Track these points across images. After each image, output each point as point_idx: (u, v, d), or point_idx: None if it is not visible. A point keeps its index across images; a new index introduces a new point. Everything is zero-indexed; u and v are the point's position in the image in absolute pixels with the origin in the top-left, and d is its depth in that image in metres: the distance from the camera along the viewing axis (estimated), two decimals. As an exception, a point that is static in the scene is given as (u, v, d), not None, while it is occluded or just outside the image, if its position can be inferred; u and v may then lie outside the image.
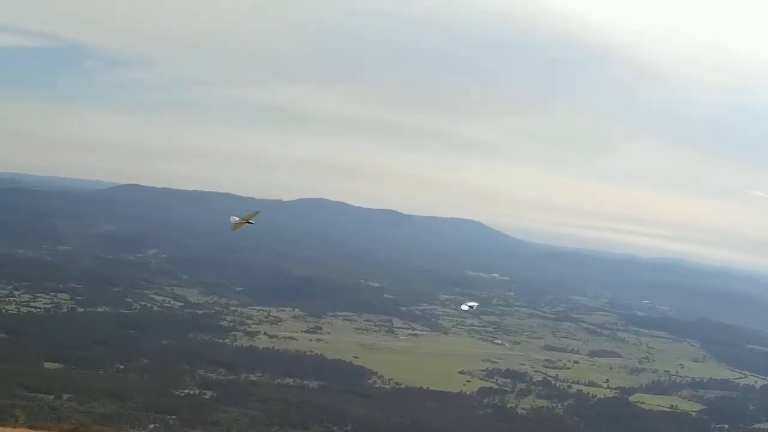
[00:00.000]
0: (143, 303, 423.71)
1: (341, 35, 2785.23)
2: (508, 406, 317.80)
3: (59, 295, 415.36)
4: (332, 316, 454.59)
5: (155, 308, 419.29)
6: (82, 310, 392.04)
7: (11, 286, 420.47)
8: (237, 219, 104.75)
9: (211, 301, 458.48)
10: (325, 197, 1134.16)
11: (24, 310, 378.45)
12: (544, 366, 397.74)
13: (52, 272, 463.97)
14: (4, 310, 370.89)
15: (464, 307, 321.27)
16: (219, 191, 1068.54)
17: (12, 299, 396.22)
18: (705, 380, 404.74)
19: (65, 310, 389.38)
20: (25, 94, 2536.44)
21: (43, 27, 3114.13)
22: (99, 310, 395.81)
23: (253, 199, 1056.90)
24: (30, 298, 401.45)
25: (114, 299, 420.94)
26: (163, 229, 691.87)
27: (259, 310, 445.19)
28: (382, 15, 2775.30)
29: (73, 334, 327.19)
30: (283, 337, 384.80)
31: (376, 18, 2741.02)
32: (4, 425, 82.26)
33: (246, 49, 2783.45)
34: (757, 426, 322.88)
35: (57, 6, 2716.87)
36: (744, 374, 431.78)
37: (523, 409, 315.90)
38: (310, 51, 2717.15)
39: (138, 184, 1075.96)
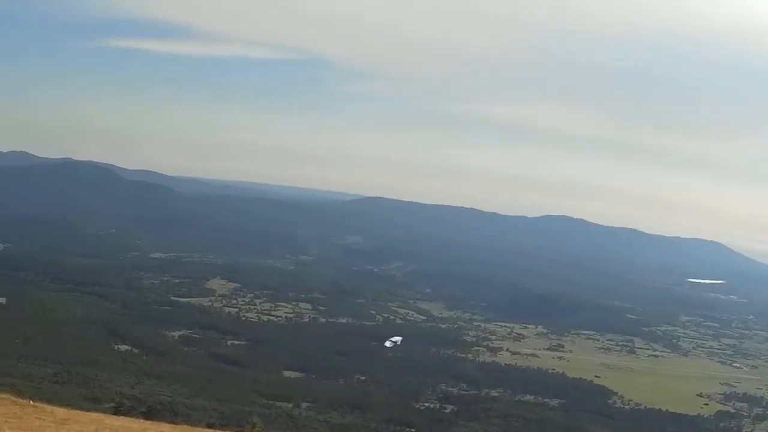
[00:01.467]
0: (386, 315, 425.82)
1: (579, 56, 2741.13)
2: (744, 431, 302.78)
3: (301, 304, 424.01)
4: (575, 334, 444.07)
5: (398, 321, 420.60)
6: (323, 320, 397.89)
7: (252, 294, 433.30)
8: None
9: (455, 316, 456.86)
10: (567, 214, 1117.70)
11: (265, 318, 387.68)
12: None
13: (295, 282, 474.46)
14: (245, 318, 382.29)
15: (388, 344, 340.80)
16: (463, 206, 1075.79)
17: (253, 307, 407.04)
18: None
19: (306, 320, 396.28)
20: (268, 105, 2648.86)
21: (285, 39, 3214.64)
22: (341, 321, 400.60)
23: (496, 214, 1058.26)
24: (271, 307, 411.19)
25: (357, 311, 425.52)
26: (407, 242, 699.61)
27: (501, 326, 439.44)
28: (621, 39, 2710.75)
29: (314, 343, 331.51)
30: (525, 354, 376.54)
31: (613, 42, 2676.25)
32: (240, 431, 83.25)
33: (486, 65, 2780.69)
34: None
35: (297, 19, 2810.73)
36: None
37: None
38: (551, 70, 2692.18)
39: (382, 197, 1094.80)
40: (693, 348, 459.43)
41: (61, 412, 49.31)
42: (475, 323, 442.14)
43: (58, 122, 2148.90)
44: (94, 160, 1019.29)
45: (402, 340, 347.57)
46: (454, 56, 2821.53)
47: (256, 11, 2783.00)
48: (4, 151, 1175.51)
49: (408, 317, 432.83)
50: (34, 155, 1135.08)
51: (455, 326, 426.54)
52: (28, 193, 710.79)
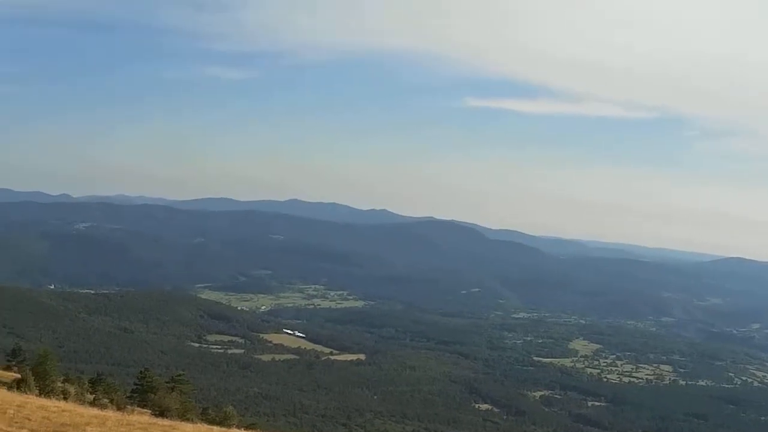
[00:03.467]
0: (744, 378, 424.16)
1: None
2: None
3: (662, 366, 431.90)
4: None
5: (755, 384, 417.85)
6: (683, 382, 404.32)
7: (614, 356, 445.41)
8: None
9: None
10: None
11: (626, 379, 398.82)
12: None
13: (656, 343, 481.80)
14: (606, 379, 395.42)
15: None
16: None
17: (614, 368, 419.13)
18: None
19: (667, 382, 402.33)
20: (629, 165, 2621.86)
21: (649, 99, 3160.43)
22: (700, 383, 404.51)
23: None
24: (633, 368, 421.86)
25: (715, 373, 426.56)
26: (766, 303, 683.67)
27: None
28: None
29: (673, 405, 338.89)
30: None
31: None
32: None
33: None
34: None
35: (655, 78, 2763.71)
36: None
37: None
38: None
39: (742, 258, 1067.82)
40: None
41: None
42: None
43: (417, 182, 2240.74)
44: (457, 220, 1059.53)
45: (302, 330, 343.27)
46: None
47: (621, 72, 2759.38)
48: (365, 209, 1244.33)
49: (765, 380, 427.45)
50: (396, 213, 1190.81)
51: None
52: (389, 251, 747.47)
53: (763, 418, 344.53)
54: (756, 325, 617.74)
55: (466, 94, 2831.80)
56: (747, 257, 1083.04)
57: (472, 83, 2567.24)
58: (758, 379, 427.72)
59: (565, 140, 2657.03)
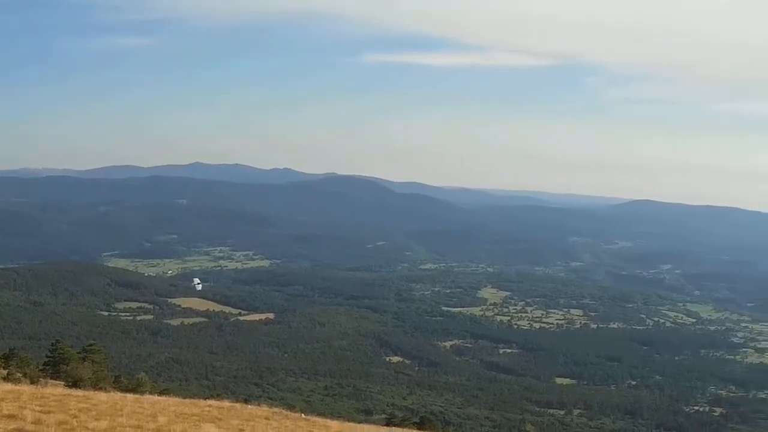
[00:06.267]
0: (656, 319, 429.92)
1: None
2: None
3: (572, 310, 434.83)
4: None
5: (667, 324, 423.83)
6: (594, 326, 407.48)
7: (524, 302, 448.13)
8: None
9: (723, 317, 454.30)
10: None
11: (536, 325, 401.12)
12: None
13: (566, 288, 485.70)
14: (516, 326, 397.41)
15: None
16: (728, 206, 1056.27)
17: (524, 315, 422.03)
18: None
19: (578, 326, 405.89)
20: (533, 113, 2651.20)
21: (546, 46, 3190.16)
22: (612, 326, 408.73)
23: (760, 212, 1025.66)
24: (543, 314, 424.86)
25: (627, 315, 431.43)
26: (675, 244, 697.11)
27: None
28: None
29: (585, 350, 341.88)
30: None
31: None
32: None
33: (760, 63, 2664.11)
34: None
35: (560, 25, 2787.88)
36: None
37: None
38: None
39: (651, 200, 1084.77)
40: None
41: (333, 424, 49.82)
42: (743, 324, 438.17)
43: (318, 140, 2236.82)
44: (359, 174, 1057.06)
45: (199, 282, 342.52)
46: (734, 54, 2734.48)
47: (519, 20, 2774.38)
48: (267, 168, 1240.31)
49: (677, 320, 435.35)
50: (299, 171, 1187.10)
51: (723, 328, 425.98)
52: (294, 209, 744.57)
53: (677, 357, 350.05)
54: (666, 266, 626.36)
55: (367, 50, 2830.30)
56: (656, 199, 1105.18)
57: (373, 40, 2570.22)
58: (670, 320, 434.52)
59: (468, 92, 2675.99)
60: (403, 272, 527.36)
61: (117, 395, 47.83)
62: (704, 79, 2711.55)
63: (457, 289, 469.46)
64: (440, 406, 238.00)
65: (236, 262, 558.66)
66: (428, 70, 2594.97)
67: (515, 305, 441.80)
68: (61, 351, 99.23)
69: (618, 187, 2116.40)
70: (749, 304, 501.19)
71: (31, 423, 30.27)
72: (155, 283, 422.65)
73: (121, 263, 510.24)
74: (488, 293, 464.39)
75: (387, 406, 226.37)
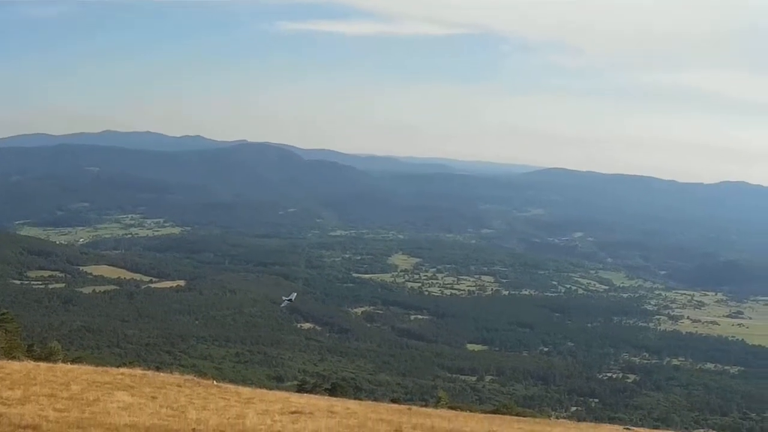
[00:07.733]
0: (568, 286, 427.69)
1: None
2: None
3: (483, 277, 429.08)
4: (754, 300, 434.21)
5: (580, 291, 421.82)
6: (506, 292, 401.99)
7: (435, 269, 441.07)
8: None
9: (636, 285, 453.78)
10: (745, 180, 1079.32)
11: (447, 292, 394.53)
12: None
13: (477, 255, 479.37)
14: (428, 293, 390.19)
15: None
16: (642, 175, 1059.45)
17: (435, 282, 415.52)
18: None
19: (489, 293, 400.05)
20: (443, 82, 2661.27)
21: (463, 17, 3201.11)
22: (524, 293, 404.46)
23: (674, 182, 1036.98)
24: (454, 281, 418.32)
25: (539, 282, 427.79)
26: (588, 212, 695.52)
27: (682, 294, 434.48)
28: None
29: (497, 316, 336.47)
30: (706, 322, 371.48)
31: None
32: (425, 406, 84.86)
33: (668, 33, 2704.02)
34: None
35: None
36: None
37: None
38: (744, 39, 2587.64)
39: (564, 168, 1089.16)
40: None
41: (245, 391, 49.16)
42: (656, 292, 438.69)
43: (231, 107, 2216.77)
44: (270, 141, 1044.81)
45: (295, 296, 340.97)
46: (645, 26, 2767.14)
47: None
48: (178, 136, 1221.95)
49: (590, 287, 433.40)
50: (210, 139, 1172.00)
51: (636, 295, 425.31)
52: (205, 177, 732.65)
53: (589, 324, 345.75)
54: (578, 234, 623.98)
55: (278, 18, 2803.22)
56: (569, 167, 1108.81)
57: (287, 8, 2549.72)
58: (582, 287, 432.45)
59: (380, 60, 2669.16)
60: (313, 239, 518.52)
61: (30, 364, 49.33)
62: (612, 49, 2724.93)
63: (368, 256, 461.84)
64: (352, 372, 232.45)
65: (147, 229, 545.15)
66: (337, 37, 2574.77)
67: (426, 272, 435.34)
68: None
69: (530, 155, 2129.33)
70: (662, 272, 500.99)
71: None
72: (67, 252, 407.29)
73: (33, 232, 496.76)
74: (399, 260, 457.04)
75: (298, 372, 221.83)
